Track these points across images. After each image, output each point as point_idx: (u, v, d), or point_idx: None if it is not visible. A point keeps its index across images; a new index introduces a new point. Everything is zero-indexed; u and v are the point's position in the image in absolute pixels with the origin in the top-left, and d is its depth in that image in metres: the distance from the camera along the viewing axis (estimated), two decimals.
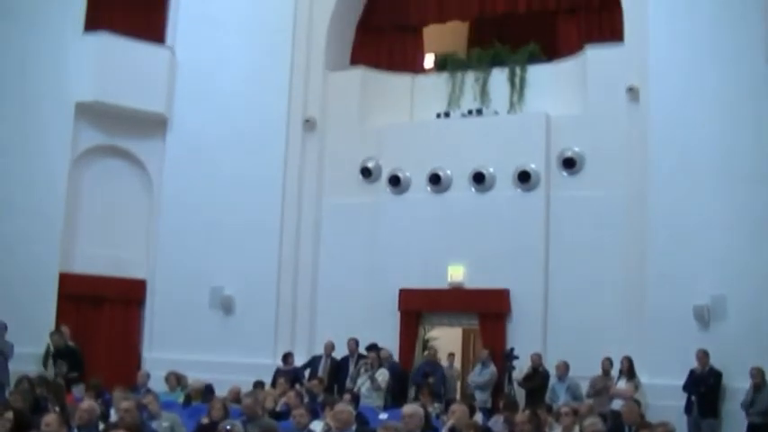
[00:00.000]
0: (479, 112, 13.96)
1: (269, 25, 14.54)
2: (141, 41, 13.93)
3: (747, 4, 11.58)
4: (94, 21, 13.65)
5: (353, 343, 12.62)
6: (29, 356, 11.76)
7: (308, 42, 14.70)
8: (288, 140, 14.46)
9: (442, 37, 15.74)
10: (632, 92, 12.76)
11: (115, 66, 13.58)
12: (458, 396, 13.17)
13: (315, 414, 8.77)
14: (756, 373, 10.56)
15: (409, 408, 7.14)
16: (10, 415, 6.77)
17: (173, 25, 14.50)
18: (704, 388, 11.07)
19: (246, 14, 14.55)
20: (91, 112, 13.53)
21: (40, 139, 12.84)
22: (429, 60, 15.54)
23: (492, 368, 12.40)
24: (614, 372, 11.73)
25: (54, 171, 13.04)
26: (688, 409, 11.12)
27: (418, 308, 13.66)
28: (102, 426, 7.23)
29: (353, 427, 7.37)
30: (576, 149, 13.20)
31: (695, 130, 11.95)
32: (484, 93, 14.13)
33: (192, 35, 14.34)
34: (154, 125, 14.11)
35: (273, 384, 11.47)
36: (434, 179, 13.71)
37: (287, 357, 12.85)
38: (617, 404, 10.64)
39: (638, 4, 12.82)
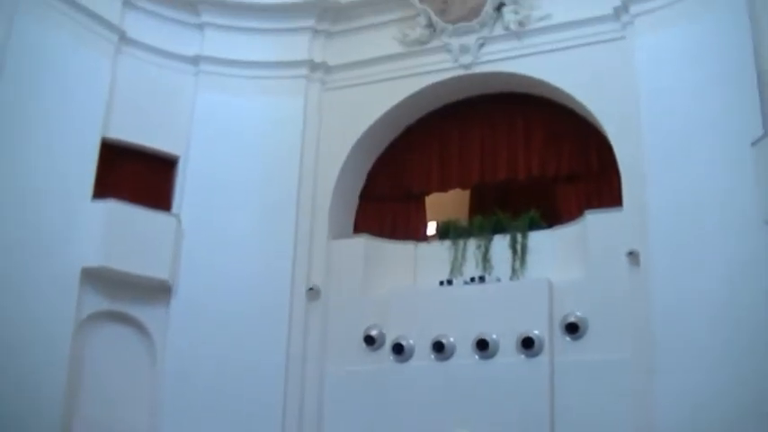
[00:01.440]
0: (482, 279, 14.80)
1: (274, 195, 15.78)
2: (148, 209, 15.09)
3: (746, 172, 12.26)
4: (103, 188, 14.84)
5: None
6: None
7: (312, 212, 15.84)
8: (291, 309, 15.32)
9: (443, 205, 16.97)
10: (633, 256, 13.54)
11: (122, 232, 14.63)
12: None
13: None
14: None
15: None
16: None
17: (179, 193, 15.76)
18: None
19: (252, 184, 15.81)
20: (96, 278, 14.46)
21: (44, 302, 13.64)
22: (431, 228, 16.71)
23: None
24: None
25: (57, 335, 13.78)
26: None
27: None
28: None
29: None
30: (579, 314, 13.89)
31: (696, 294, 12.61)
32: (486, 260, 15.03)
33: (198, 203, 15.57)
34: (158, 292, 15.02)
35: None
36: (438, 347, 14.37)
37: None
38: None
39: (636, 171, 13.84)
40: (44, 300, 13.70)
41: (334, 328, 15.43)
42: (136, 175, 15.74)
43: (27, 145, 13.91)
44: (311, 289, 15.51)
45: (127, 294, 14.83)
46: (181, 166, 16.04)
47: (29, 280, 13.53)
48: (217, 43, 16.63)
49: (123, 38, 15.76)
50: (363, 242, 15.79)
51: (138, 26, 16.03)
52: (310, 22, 16.74)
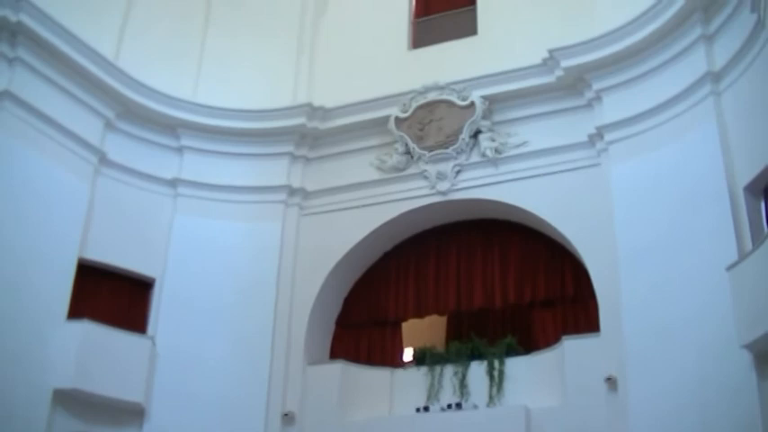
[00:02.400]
0: (459, 405, 15.23)
1: (250, 319, 16.33)
2: (123, 330, 15.48)
3: (722, 296, 12.65)
4: (78, 308, 15.25)
5: None
6: None
7: (288, 337, 16.33)
8: None
9: (420, 331, 17.50)
10: (610, 381, 14.01)
11: (96, 353, 14.96)
12: None
13: None
14: None
15: None
16: None
17: (155, 315, 16.23)
18: None
19: (229, 308, 16.37)
20: (69, 399, 14.69)
21: (14, 424, 13.80)
22: (408, 354, 17.18)
23: None
24: None
25: None
26: None
27: None
28: None
29: None
30: None
31: (674, 419, 13.01)
32: (463, 386, 15.46)
33: (173, 326, 16.04)
34: (131, 415, 15.32)
35: None
36: None
37: None
38: None
39: (612, 296, 14.42)
40: (14, 421, 13.87)
41: None
42: (112, 296, 16.21)
43: (3, 263, 14.35)
44: (286, 415, 15.82)
45: (99, 417, 15.07)
46: (157, 288, 16.55)
47: (1, 399, 13.76)
48: (195, 167, 17.40)
49: (103, 159, 16.46)
50: (340, 368, 16.19)
51: (118, 148, 16.79)
52: (289, 148, 17.55)
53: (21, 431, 14.03)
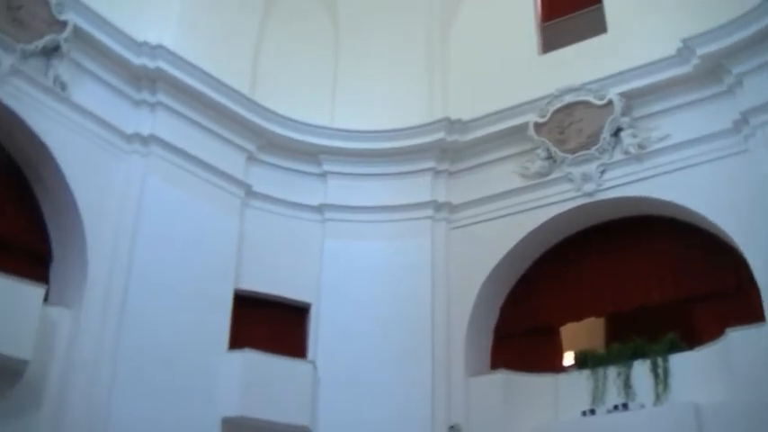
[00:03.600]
0: (625, 406, 15.51)
1: (408, 336, 17.06)
2: (283, 357, 16.44)
3: None
4: (238, 338, 16.33)
5: None
6: None
7: (447, 351, 16.93)
8: None
9: (578, 334, 17.87)
10: None
11: (259, 381, 15.98)
12: None
13: None
14: None
15: None
16: None
17: (313, 340, 17.20)
18: None
19: (385, 327, 17.15)
20: (237, 427, 15.72)
21: None
22: (569, 358, 17.56)
23: None
24: None
25: None
26: None
27: None
28: None
29: None
30: None
31: None
32: (627, 386, 15.72)
33: (332, 349, 16.97)
34: None
35: None
36: None
37: None
38: None
39: None
40: None
41: None
42: (269, 324, 17.26)
43: (167, 298, 15.59)
44: (452, 428, 16.37)
45: None
46: (313, 312, 17.51)
47: (174, 423, 14.95)
48: (340, 191, 18.31)
49: (249, 192, 17.55)
50: (502, 377, 16.63)
51: (262, 179, 17.91)
52: (431, 164, 18.21)
53: None
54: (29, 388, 14.01)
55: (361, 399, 16.50)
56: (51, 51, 15.27)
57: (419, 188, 18.24)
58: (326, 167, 18.42)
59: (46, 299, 14.51)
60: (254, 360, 16.15)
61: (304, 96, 18.82)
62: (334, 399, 16.53)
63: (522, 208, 17.40)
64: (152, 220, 16.00)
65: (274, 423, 15.95)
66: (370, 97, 19.02)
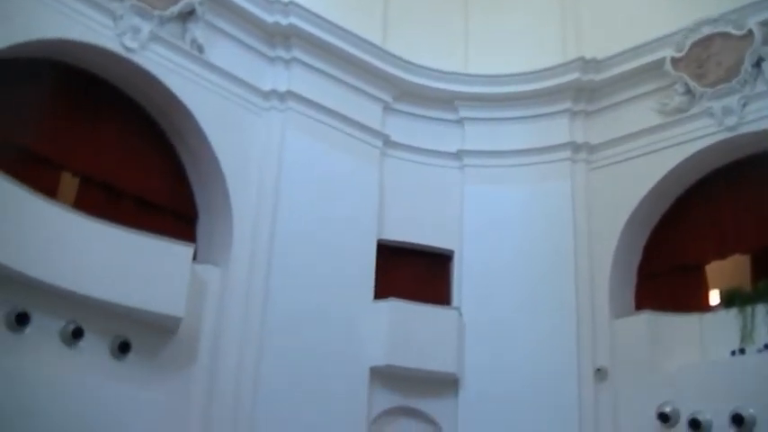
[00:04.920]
0: None
1: (550, 279, 17.14)
2: (428, 305, 16.81)
3: None
4: (382, 288, 16.80)
5: None
6: None
7: (590, 293, 16.90)
8: (580, 392, 16.34)
9: (723, 272, 17.66)
10: None
11: (405, 330, 16.39)
12: None
13: None
14: None
15: None
16: None
17: (457, 287, 17.49)
18: None
19: (527, 271, 17.30)
20: (385, 376, 16.23)
21: (337, 403, 15.57)
22: (714, 297, 17.40)
23: None
24: None
25: None
26: None
27: None
28: None
29: None
30: None
31: None
32: None
33: (476, 295, 17.26)
34: (445, 385, 16.63)
35: None
36: (737, 420, 14.73)
37: None
38: None
39: None
40: (337, 400, 15.59)
41: (626, 408, 16.19)
42: (412, 273, 17.61)
43: (311, 252, 16.15)
44: (599, 370, 16.47)
45: (415, 390, 16.50)
46: (456, 259, 17.76)
47: (322, 380, 15.50)
48: (477, 136, 18.41)
49: (387, 142, 17.84)
50: (646, 318, 16.49)
51: (400, 129, 18.15)
52: (567, 105, 18.09)
53: (344, 409, 15.69)
54: (183, 344, 14.76)
55: (506, 344, 16.74)
56: (187, 15, 15.81)
57: (557, 130, 18.15)
58: (463, 113, 18.51)
59: (195, 257, 15.12)
60: (399, 309, 16.55)
61: (436, 43, 18.87)
62: (479, 345, 16.82)
63: (663, 145, 17.05)
64: (293, 175, 16.47)
65: (422, 371, 16.37)
66: (503, 40, 18.95)
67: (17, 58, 13.96)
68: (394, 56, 17.99)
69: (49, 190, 13.97)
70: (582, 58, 17.84)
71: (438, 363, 16.53)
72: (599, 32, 18.44)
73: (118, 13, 14.82)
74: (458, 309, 17.13)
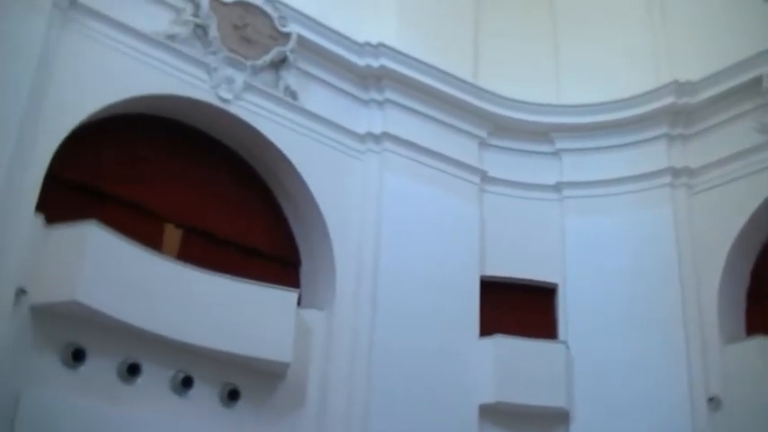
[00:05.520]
0: None
1: (657, 309, 16.71)
2: (534, 340, 16.68)
3: None
4: (487, 324, 16.71)
5: None
6: None
7: (699, 320, 16.46)
8: (693, 423, 15.88)
9: None
10: None
11: (512, 366, 16.28)
12: None
13: None
14: None
15: None
16: None
17: (563, 320, 17.35)
18: None
19: (633, 301, 16.90)
20: (494, 413, 16.13)
21: None
22: None
23: None
24: None
25: None
26: None
27: None
28: None
29: None
30: None
31: None
32: None
33: (582, 327, 17.06)
34: (556, 420, 16.44)
35: None
36: None
37: None
38: None
39: None
40: None
41: None
42: (516, 307, 17.48)
43: (415, 291, 16.21)
44: (711, 399, 16.05)
45: (525, 426, 16.34)
46: (560, 292, 17.63)
47: (432, 420, 15.47)
48: (575, 167, 18.28)
49: (485, 177, 17.85)
50: (759, 343, 15.98)
51: (496, 164, 18.15)
52: (664, 129, 17.80)
53: None
54: (291, 389, 14.96)
55: (616, 376, 16.43)
56: (279, 63, 16.12)
57: (655, 156, 17.86)
58: (559, 145, 18.43)
59: (299, 302, 15.32)
60: (505, 345, 16.48)
61: (527, 74, 18.87)
62: (588, 378, 16.59)
63: (765, 165, 16.66)
64: (393, 216, 16.59)
65: (531, 406, 16.22)
66: (595, 67, 18.82)
67: (116, 115, 14.39)
68: (487, 91, 18.05)
69: (154, 242, 14.35)
70: (676, 82, 17.60)
71: (547, 397, 16.37)
72: (691, 54, 18.17)
73: (212, 66, 15.19)
74: (564, 342, 16.96)
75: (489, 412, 16.16)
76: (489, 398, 16.13)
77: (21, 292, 12.27)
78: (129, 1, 14.60)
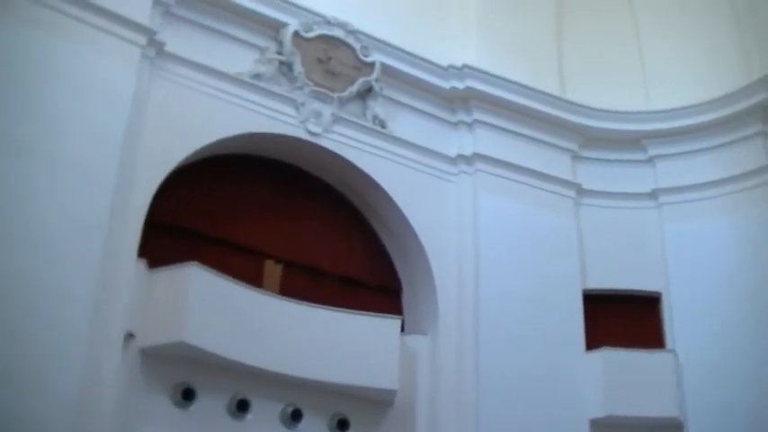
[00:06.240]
0: None
1: (766, 306, 16.28)
2: (642, 350, 16.47)
3: None
4: (593, 338, 16.56)
5: None
6: None
7: None
8: None
9: None
10: None
11: (621, 378, 16.09)
12: None
13: None
14: None
15: None
16: None
17: (669, 328, 17.09)
18: None
19: (740, 308, 16.43)
20: (605, 427, 15.95)
21: None
22: None
23: None
24: None
25: None
26: None
27: None
28: None
29: None
30: None
31: None
32: None
33: (688, 335, 16.74)
34: (669, 431, 16.13)
35: None
36: None
37: None
38: None
39: None
40: None
41: None
42: (621, 318, 17.32)
43: (517, 309, 16.16)
44: None
45: None
46: (665, 301, 17.35)
47: (542, 428, 15.41)
48: (670, 173, 18.04)
49: (580, 190, 17.80)
50: None
51: (590, 176, 18.07)
52: (758, 127, 17.40)
53: None
54: (400, 416, 15.08)
55: (728, 381, 16.06)
56: (365, 93, 16.34)
57: (751, 154, 17.47)
58: (652, 152, 18.19)
59: (403, 329, 15.45)
60: (613, 357, 16.31)
61: (614, 82, 18.65)
62: (699, 385, 16.26)
63: None
64: (490, 236, 16.62)
65: (643, 418, 16.01)
66: (681, 69, 18.53)
67: (207, 157, 14.76)
68: (575, 103, 18.00)
69: (255, 278, 14.64)
70: (767, 77, 17.32)
71: (659, 408, 16.13)
72: None
73: (299, 101, 15.45)
74: (673, 351, 16.72)
75: (601, 426, 16.00)
76: (600, 412, 15.97)
77: (129, 336, 12.68)
78: (214, 45, 15.00)
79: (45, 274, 11.67)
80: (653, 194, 18.02)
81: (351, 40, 16.22)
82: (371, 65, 16.29)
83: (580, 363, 16.27)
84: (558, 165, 17.81)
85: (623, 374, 16.23)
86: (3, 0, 12.63)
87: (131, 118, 13.34)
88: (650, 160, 18.22)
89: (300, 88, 15.55)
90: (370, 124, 16.22)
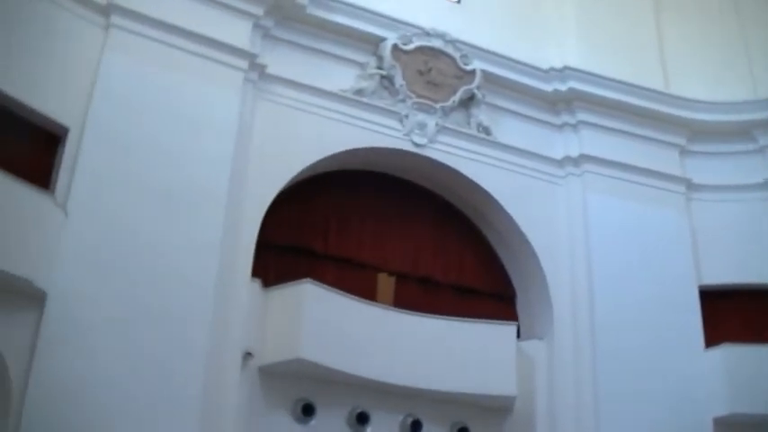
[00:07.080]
0: None
1: None
2: (766, 345, 15.97)
3: None
4: (711, 335, 16.24)
5: None
6: None
7: None
8: None
9: None
10: None
11: (744, 375, 15.67)
12: None
13: None
14: None
15: None
16: None
17: None
18: None
19: None
20: (730, 426, 15.57)
21: None
22: None
23: None
24: None
25: None
26: None
27: None
28: None
29: None
30: None
31: None
32: None
33: None
34: None
35: None
36: None
37: None
38: None
39: None
40: None
41: None
42: (740, 313, 16.87)
43: (633, 308, 15.97)
44: None
45: None
46: None
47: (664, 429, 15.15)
48: None
49: (690, 185, 17.54)
50: None
51: (699, 170, 17.81)
52: None
53: None
54: (520, 421, 15.16)
55: None
56: (468, 101, 16.41)
57: None
58: (763, 141, 17.70)
59: (518, 335, 15.51)
60: (735, 353, 15.96)
61: (719, 73, 18.34)
62: None
63: None
64: (602, 236, 16.51)
65: None
66: None
67: (314, 175, 14.99)
68: (680, 98, 17.77)
69: (368, 292, 14.81)
70: None
71: None
72: None
73: (403, 114, 15.61)
74: None
75: (725, 425, 15.66)
76: (723, 410, 15.64)
77: (247, 355, 12.95)
78: (314, 64, 15.28)
79: (165, 300, 12.07)
80: (766, 184, 17.68)
81: (450, 49, 16.32)
82: (472, 73, 16.37)
83: (700, 361, 15.99)
84: (667, 161, 17.59)
85: (746, 371, 15.85)
86: (116, 39, 13.09)
87: (238, 141, 13.68)
88: (761, 150, 17.84)
89: (403, 101, 15.71)
90: (474, 132, 16.28)
